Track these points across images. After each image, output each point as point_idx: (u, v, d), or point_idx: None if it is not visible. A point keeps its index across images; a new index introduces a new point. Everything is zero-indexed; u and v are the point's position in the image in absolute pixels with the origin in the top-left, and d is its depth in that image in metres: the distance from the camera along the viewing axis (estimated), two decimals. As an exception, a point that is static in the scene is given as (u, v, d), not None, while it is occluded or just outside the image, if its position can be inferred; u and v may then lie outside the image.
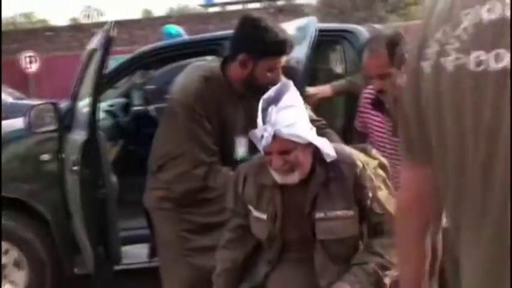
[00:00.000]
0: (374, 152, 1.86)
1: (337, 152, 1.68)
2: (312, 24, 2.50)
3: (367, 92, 2.19)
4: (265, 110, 1.59)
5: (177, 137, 2.11)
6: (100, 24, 16.95)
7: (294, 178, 1.63)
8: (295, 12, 12.14)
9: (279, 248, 1.72)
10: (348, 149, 1.76)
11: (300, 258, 1.71)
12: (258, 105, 2.05)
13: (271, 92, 1.63)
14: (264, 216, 1.70)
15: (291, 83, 1.67)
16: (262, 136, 1.57)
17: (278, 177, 1.64)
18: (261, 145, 1.60)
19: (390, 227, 1.67)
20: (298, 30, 2.49)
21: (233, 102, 2.12)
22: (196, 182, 2.10)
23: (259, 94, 2.06)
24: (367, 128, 2.20)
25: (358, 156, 1.71)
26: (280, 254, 1.72)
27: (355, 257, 1.69)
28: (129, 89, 4.53)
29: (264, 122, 1.57)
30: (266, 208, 1.70)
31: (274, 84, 1.97)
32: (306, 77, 2.46)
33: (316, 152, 1.66)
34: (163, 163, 2.18)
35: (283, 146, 1.58)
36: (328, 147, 1.67)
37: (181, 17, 17.19)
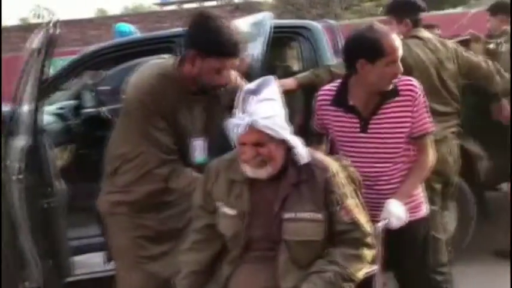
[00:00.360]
0: (347, 163, 1.85)
1: (310, 155, 1.69)
2: (267, 19, 2.44)
3: (324, 91, 2.11)
4: (244, 101, 1.61)
5: (133, 138, 2.03)
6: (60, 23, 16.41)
7: (264, 172, 1.64)
8: (252, 9, 12.09)
9: (243, 245, 1.68)
10: (322, 155, 1.78)
11: (264, 258, 1.68)
12: (215, 106, 2.00)
13: (252, 85, 1.65)
14: (233, 212, 1.68)
15: (272, 77, 1.67)
16: (238, 126, 1.59)
17: (249, 171, 1.64)
18: (236, 134, 1.61)
19: (356, 238, 1.66)
20: (254, 26, 2.43)
21: (189, 103, 2.04)
22: (157, 184, 2.03)
23: (210, 95, 2.01)
24: (327, 127, 2.12)
25: (331, 163, 1.72)
26: (243, 253, 1.69)
27: (315, 264, 1.65)
28: (80, 91, 4.34)
29: (242, 112, 1.59)
30: (235, 204, 1.69)
31: (222, 86, 1.91)
32: (262, 72, 2.39)
33: (289, 152, 1.67)
34: (119, 165, 2.09)
35: (258, 137, 1.60)
36: (302, 149, 1.67)
37: (137, 16, 16.85)
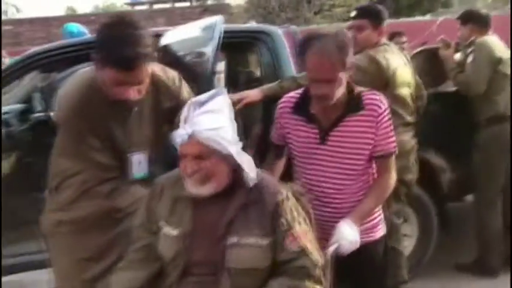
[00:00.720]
0: (300, 191, 1.73)
1: (261, 176, 1.61)
2: (218, 24, 2.31)
3: (287, 98, 1.98)
4: (188, 111, 1.55)
5: (70, 156, 1.91)
6: (17, 22, 16.03)
7: (207, 190, 1.54)
8: (221, 11, 11.97)
9: (182, 269, 1.57)
10: (273, 178, 1.71)
11: (203, 284, 1.56)
12: (156, 115, 1.84)
13: (200, 96, 1.59)
14: (174, 232, 1.58)
15: (224, 89, 1.61)
16: (179, 137, 1.52)
17: (191, 187, 1.55)
18: (177, 145, 1.54)
19: (301, 267, 1.54)
20: (205, 31, 2.30)
21: (121, 114, 1.89)
22: (100, 202, 1.90)
23: (124, 107, 1.86)
24: (286, 137, 1.98)
25: (283, 187, 1.63)
26: (182, 278, 1.57)
27: None
28: (29, 94, 4.10)
29: (185, 123, 1.52)
30: (177, 223, 1.58)
31: (124, 99, 1.77)
32: (212, 77, 2.33)
33: (239, 171, 1.57)
34: (60, 182, 1.95)
35: (199, 149, 1.51)
36: (251, 168, 1.58)
37: (106, 15, 16.50)
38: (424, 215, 3.19)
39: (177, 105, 1.95)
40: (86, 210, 1.92)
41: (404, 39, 5.60)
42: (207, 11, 11.87)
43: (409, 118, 2.75)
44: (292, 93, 1.99)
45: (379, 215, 1.99)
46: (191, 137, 1.50)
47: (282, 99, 2.00)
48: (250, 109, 3.10)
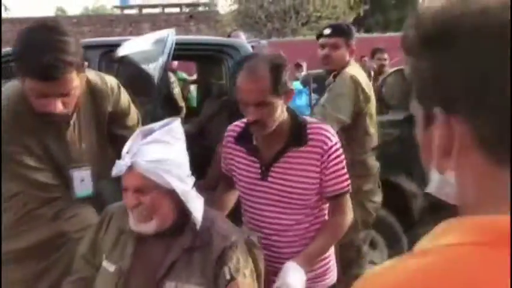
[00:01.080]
0: (254, 240, 1.56)
1: (213, 216, 1.50)
2: (170, 37, 2.19)
3: (232, 126, 1.81)
4: (133, 140, 1.45)
5: (10, 175, 1.72)
6: (4, 21, 15.76)
7: (149, 228, 1.44)
8: (207, 19, 11.87)
9: None
10: (227, 221, 1.58)
11: None
12: (90, 129, 1.72)
13: (151, 125, 1.49)
14: (111, 268, 1.47)
15: (178, 120, 1.50)
16: (119, 167, 1.42)
17: (132, 223, 1.45)
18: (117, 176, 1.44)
19: None
20: (156, 44, 2.18)
21: (55, 128, 1.73)
22: (43, 229, 1.73)
23: (57, 120, 1.70)
24: (231, 170, 1.81)
25: (235, 233, 1.50)
26: None
27: None
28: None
29: (127, 152, 1.42)
30: (117, 258, 1.48)
31: (51, 114, 1.60)
32: (160, 91, 2.22)
33: (188, 211, 1.45)
34: (2, 204, 1.77)
35: (139, 182, 1.40)
36: (198, 209, 1.45)
37: (89, 19, 16.35)
38: (394, 242, 3.09)
39: (117, 115, 1.82)
40: (27, 241, 1.75)
41: (385, 55, 5.53)
42: (192, 18, 11.78)
43: (376, 139, 2.64)
44: (239, 121, 1.81)
45: (329, 260, 1.79)
46: (131, 168, 1.40)
47: (229, 127, 1.83)
48: (215, 126, 2.99)
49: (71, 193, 1.77)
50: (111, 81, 1.88)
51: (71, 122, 1.76)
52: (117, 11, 24.83)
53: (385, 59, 5.49)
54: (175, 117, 1.54)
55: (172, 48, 2.14)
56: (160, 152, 1.42)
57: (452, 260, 0.50)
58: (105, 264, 1.49)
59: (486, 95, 0.52)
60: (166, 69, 2.16)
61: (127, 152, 1.43)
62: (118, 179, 1.88)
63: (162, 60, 2.10)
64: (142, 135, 1.46)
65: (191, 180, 1.48)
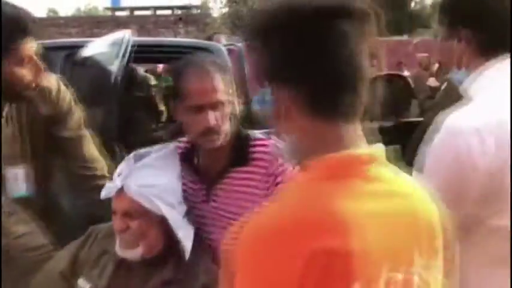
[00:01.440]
0: None
1: (202, 255, 1.42)
2: (126, 38, 2.09)
3: (183, 140, 1.57)
4: (125, 162, 1.43)
5: None
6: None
7: (134, 254, 1.39)
8: (196, 21, 11.78)
9: None
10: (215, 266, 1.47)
11: None
12: (26, 128, 1.66)
13: (145, 149, 1.47)
14: (86, 287, 1.43)
15: (173, 146, 1.49)
16: (109, 189, 1.41)
17: (117, 248, 1.41)
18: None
19: None
20: (112, 47, 2.07)
21: None
22: None
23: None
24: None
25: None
26: None
27: None
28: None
29: (118, 175, 1.40)
30: (95, 278, 1.43)
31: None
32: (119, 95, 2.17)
33: (174, 238, 1.39)
34: None
35: (128, 205, 1.37)
36: (188, 239, 1.39)
37: (81, 19, 16.31)
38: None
39: (57, 114, 1.70)
40: None
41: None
42: (181, 20, 11.67)
43: None
44: (180, 139, 1.58)
45: None
46: (121, 191, 1.37)
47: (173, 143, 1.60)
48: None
49: (5, 191, 1.64)
50: (53, 79, 1.75)
51: (4, 118, 1.64)
52: (109, 13, 24.78)
53: (372, 66, 5.41)
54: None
55: (128, 50, 2.04)
56: (152, 176, 1.39)
57: (302, 190, 0.75)
58: (81, 282, 1.45)
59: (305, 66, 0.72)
60: (124, 72, 2.04)
61: (118, 175, 1.40)
62: (79, 191, 1.74)
63: (118, 61, 1.99)
64: (135, 158, 1.43)
65: (183, 208, 1.42)
